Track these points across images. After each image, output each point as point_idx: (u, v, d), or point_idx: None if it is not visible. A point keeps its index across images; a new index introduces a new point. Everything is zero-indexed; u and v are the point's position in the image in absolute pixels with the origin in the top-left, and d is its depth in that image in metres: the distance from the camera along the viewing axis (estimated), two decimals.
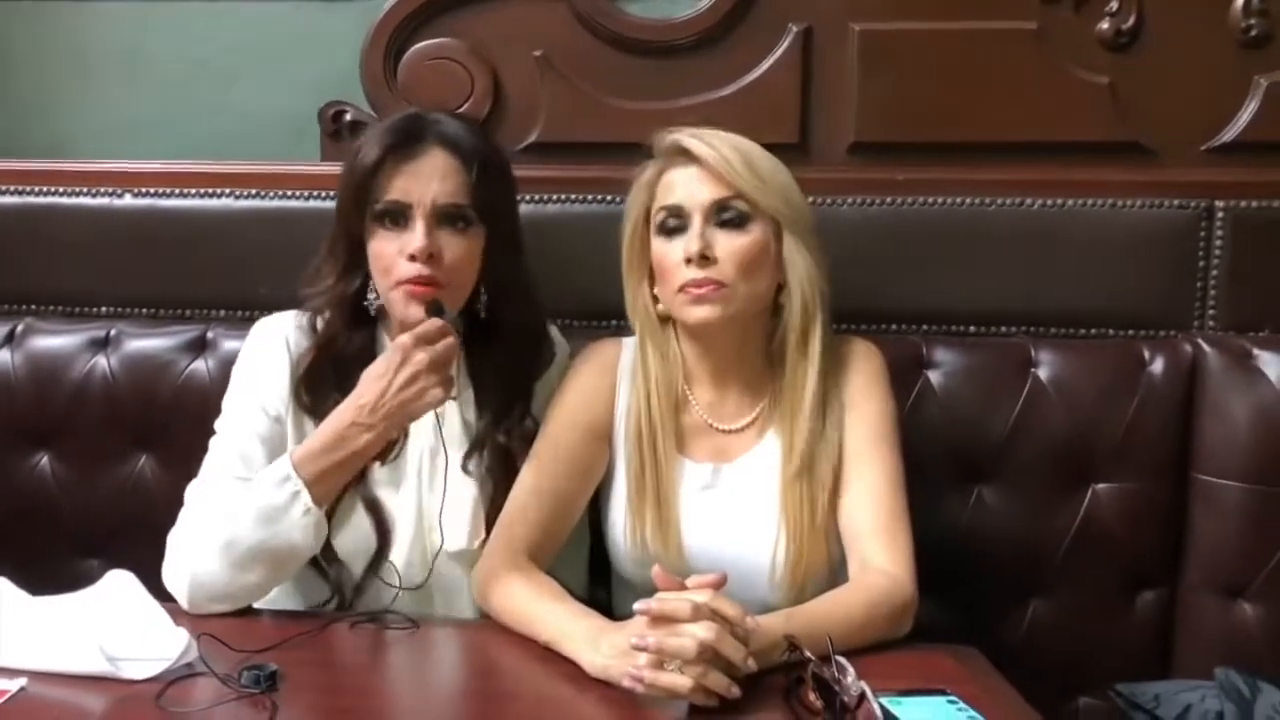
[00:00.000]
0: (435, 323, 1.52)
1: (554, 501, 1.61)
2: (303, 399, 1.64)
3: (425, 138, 1.61)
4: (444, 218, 1.59)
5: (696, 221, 1.56)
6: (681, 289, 1.56)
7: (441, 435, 1.64)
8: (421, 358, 1.49)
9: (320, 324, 1.68)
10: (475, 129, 1.72)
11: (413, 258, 1.57)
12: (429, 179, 1.59)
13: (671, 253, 1.57)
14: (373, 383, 1.50)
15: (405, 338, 1.50)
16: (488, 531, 1.61)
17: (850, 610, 1.45)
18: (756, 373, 1.65)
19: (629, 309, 1.66)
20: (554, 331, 1.79)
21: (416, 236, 1.57)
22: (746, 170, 1.56)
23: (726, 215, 1.56)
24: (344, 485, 1.57)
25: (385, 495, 1.63)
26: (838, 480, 1.59)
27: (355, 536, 1.61)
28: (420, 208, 1.58)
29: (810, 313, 1.59)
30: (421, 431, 1.64)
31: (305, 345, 1.67)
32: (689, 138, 1.58)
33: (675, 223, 1.58)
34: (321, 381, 1.64)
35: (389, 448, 1.61)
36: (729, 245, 1.56)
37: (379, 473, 1.63)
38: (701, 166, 1.57)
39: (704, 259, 1.54)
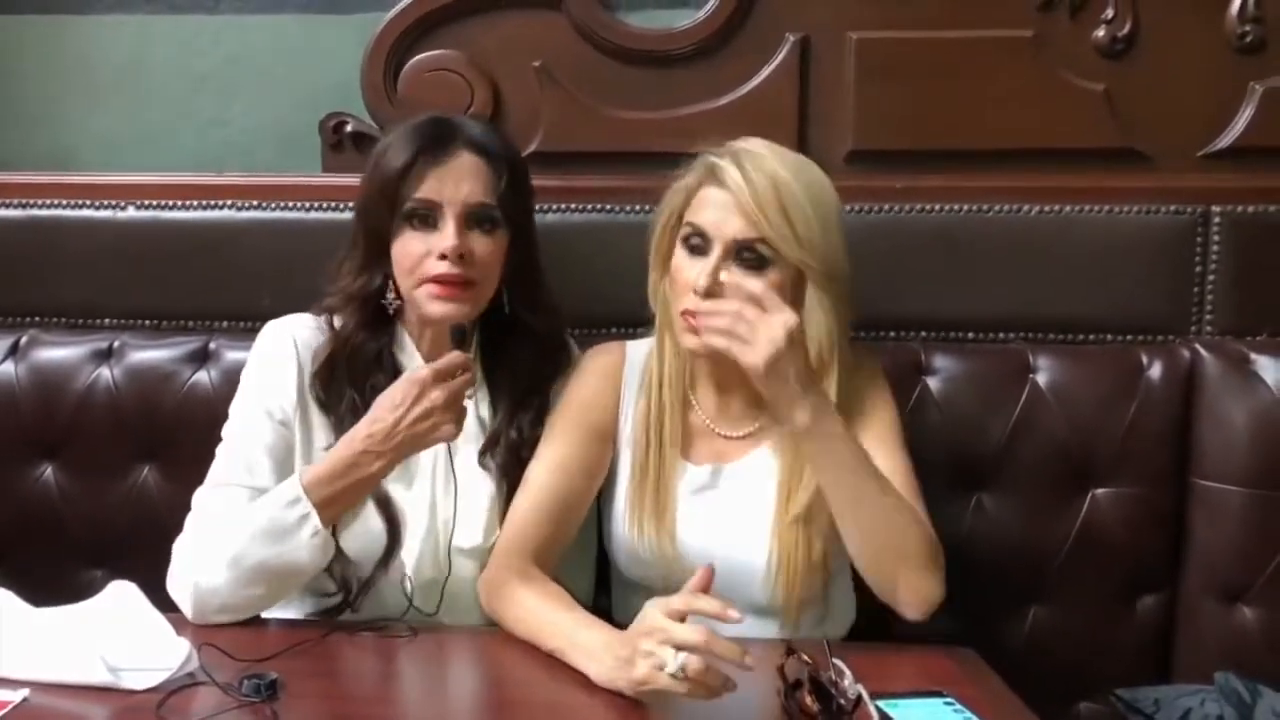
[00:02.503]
0: (458, 356, 1.52)
1: (558, 506, 1.61)
2: (317, 394, 1.65)
3: (454, 140, 1.64)
4: (473, 219, 1.62)
5: (716, 252, 1.53)
6: (684, 313, 1.55)
7: None
8: (437, 395, 1.49)
9: (337, 323, 1.69)
10: (500, 132, 1.78)
11: (444, 256, 1.59)
12: (459, 181, 1.62)
13: (686, 270, 1.56)
14: (388, 412, 1.51)
15: (425, 372, 1.51)
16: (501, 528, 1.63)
17: (903, 503, 1.50)
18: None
19: (650, 295, 1.65)
20: (572, 344, 1.80)
21: (448, 236, 1.59)
22: (779, 215, 1.51)
23: (746, 256, 1.53)
24: (354, 505, 1.57)
25: (396, 492, 1.63)
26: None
27: (365, 534, 1.60)
28: (451, 208, 1.61)
29: (825, 365, 1.56)
30: None
31: (317, 346, 1.68)
32: (729, 165, 1.53)
33: (698, 242, 1.55)
34: (335, 377, 1.65)
35: None
36: None
37: None
38: (738, 196, 1.53)
39: (710, 295, 1.51)
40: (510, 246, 1.66)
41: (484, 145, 1.65)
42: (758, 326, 1.42)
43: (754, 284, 1.46)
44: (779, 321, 1.42)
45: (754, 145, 1.57)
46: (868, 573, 1.53)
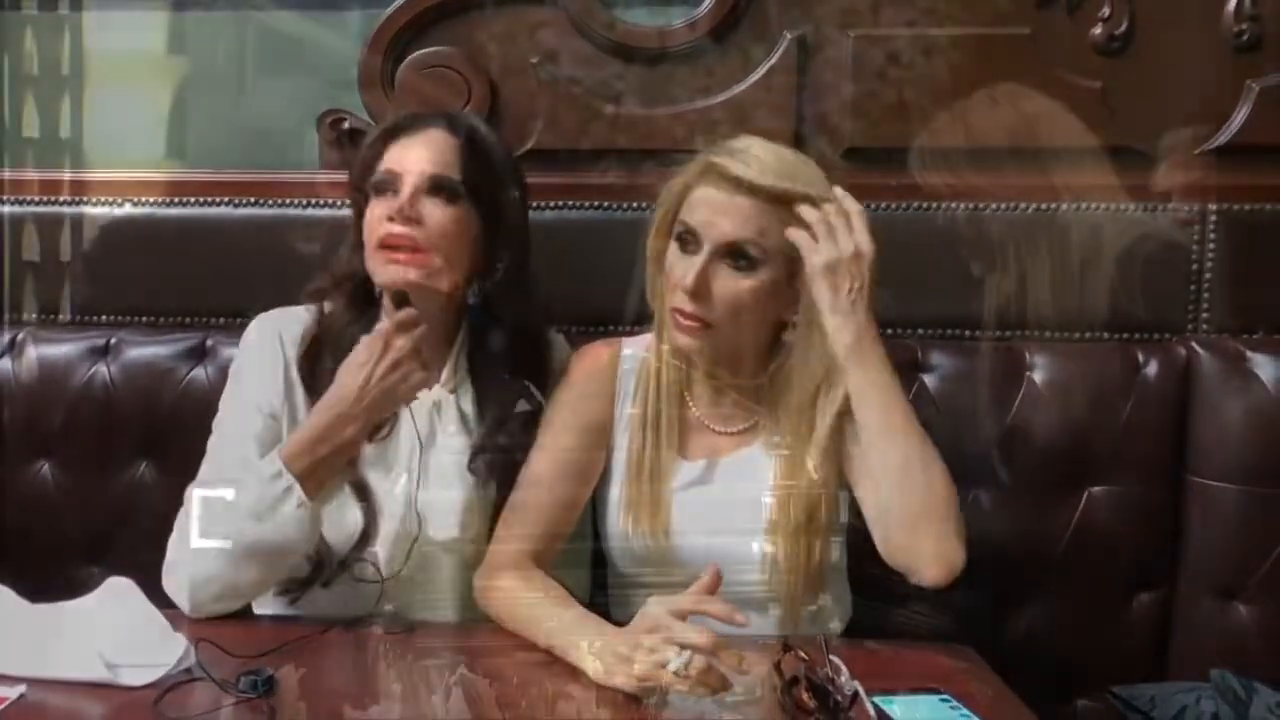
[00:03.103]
0: (410, 312, 1.54)
1: (555, 504, 1.62)
2: (304, 375, 1.65)
3: (425, 119, 1.67)
4: (432, 187, 1.62)
5: (704, 253, 1.52)
6: (674, 310, 1.55)
7: (437, 425, 1.66)
8: (403, 343, 1.51)
9: (327, 308, 1.70)
10: (479, 119, 1.79)
11: (392, 219, 1.59)
12: (421, 150, 1.63)
13: (676, 266, 1.55)
14: (355, 372, 1.51)
15: (386, 324, 1.53)
16: (486, 527, 1.63)
17: (937, 456, 1.50)
18: (754, 380, 1.64)
19: (648, 291, 1.65)
20: (560, 340, 1.79)
21: (400, 199, 1.60)
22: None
23: (737, 258, 1.52)
24: (336, 474, 1.58)
25: (374, 479, 1.63)
26: (832, 512, 1.58)
27: (341, 518, 1.60)
28: (410, 176, 1.61)
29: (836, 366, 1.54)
30: (415, 418, 1.64)
31: (307, 336, 1.68)
32: (735, 163, 1.52)
33: (690, 240, 1.55)
34: (321, 358, 1.65)
35: (378, 426, 1.61)
36: (729, 286, 1.52)
37: (367, 451, 1.63)
38: (732, 196, 1.52)
39: (696, 295, 1.52)
40: (484, 228, 1.65)
41: (452, 119, 1.67)
42: (836, 234, 1.49)
43: (853, 205, 1.52)
44: (853, 241, 1.49)
45: (751, 145, 1.56)
46: (893, 524, 1.50)
